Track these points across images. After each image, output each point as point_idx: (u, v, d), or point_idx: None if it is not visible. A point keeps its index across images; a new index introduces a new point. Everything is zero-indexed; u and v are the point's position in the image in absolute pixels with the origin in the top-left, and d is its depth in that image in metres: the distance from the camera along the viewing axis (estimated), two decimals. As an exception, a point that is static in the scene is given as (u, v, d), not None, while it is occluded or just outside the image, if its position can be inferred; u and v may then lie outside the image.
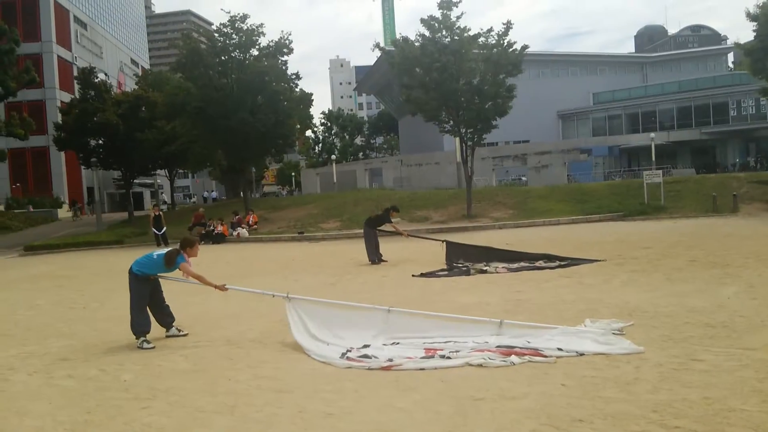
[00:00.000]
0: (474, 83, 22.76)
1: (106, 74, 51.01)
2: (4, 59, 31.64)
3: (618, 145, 50.64)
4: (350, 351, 5.91)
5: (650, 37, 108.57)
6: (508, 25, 22.59)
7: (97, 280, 13.71)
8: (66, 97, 51.49)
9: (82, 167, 42.60)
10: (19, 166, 52.05)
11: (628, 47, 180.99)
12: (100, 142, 33.67)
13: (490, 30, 22.74)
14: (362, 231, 14.24)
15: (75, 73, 44.53)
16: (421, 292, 9.44)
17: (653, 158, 30.74)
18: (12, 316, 9.44)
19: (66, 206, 46.51)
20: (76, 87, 39.23)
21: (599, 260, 11.67)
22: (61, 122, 34.85)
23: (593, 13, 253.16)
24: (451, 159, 37.91)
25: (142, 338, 6.74)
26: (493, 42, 22.63)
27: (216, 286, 6.87)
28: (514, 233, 19.41)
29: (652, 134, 33.04)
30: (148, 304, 6.94)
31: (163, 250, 7.09)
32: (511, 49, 22.57)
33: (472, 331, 6.15)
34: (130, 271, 6.91)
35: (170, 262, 6.82)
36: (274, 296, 6.91)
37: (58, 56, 60.41)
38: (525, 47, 23.09)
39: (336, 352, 5.90)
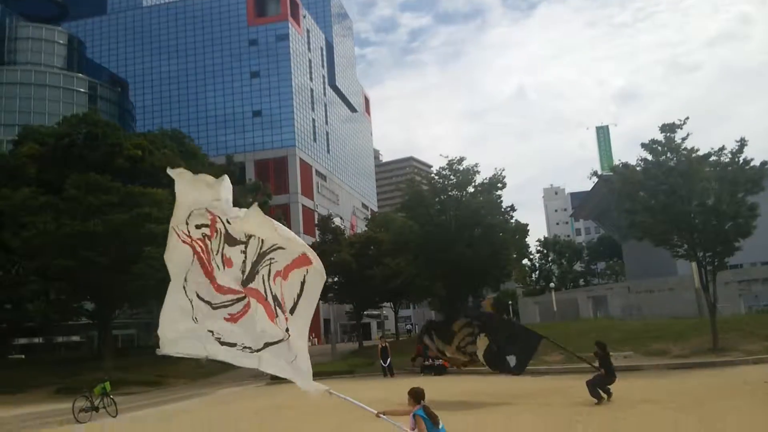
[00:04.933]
0: (708, 204, 20.99)
1: (341, 218, 57.75)
2: (259, 211, 37.76)
3: None
4: None
5: None
6: (743, 142, 20.95)
7: (334, 411, 14.41)
8: (309, 240, 58.77)
9: (320, 301, 47.22)
10: (269, 302, 59.34)
11: None
12: (336, 279, 37.38)
13: (722, 148, 21.23)
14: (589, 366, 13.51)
15: (316, 220, 51.04)
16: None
17: None
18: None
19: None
20: (317, 232, 44.74)
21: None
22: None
23: None
24: (687, 284, 34.25)
25: None
26: (727, 160, 20.99)
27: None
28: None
29: None
30: None
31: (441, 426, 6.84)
32: (748, 166, 20.69)
33: None
34: None
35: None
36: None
37: (303, 205, 70.12)
38: (765, 163, 21.04)
39: None
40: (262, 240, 6.00)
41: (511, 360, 14.20)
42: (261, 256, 6.03)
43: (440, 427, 6.69)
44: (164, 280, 6.56)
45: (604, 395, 12.51)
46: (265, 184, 42.12)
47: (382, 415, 6.85)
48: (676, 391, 13.69)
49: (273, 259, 5.97)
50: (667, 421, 9.89)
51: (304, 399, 18.27)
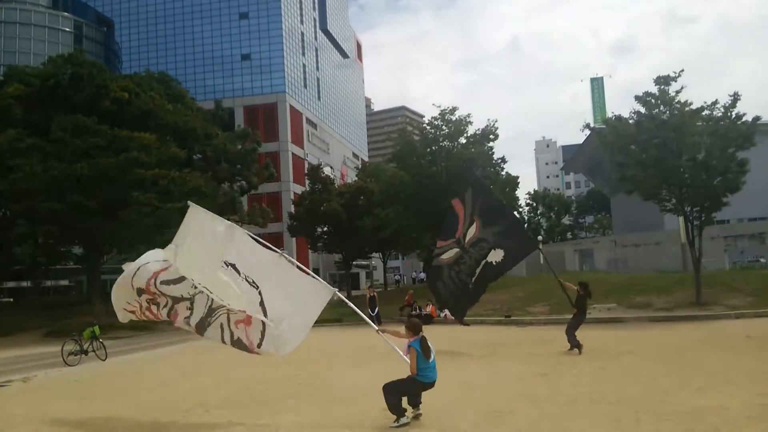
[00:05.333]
0: (699, 158, 21.00)
1: (331, 167, 57.36)
2: (247, 158, 37.27)
3: None
4: None
5: None
6: (736, 97, 20.80)
7: (318, 358, 14.64)
8: (298, 189, 58.53)
9: (310, 251, 47.41)
10: (259, 250, 59.63)
11: None
12: (325, 229, 37.46)
13: (715, 102, 21.09)
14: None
15: (306, 169, 50.67)
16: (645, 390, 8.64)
17: None
18: (249, 390, 10.63)
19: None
20: (307, 181, 44.51)
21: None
22: (293, 212, 39.65)
23: None
24: (674, 239, 34.70)
25: (402, 418, 6.98)
26: (719, 114, 20.88)
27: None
28: (755, 324, 16.86)
29: None
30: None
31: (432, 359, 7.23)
32: (740, 121, 20.61)
33: None
34: (415, 380, 7.11)
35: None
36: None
37: (293, 153, 69.36)
38: (757, 118, 20.97)
39: None
40: (212, 299, 7.56)
41: (498, 254, 13.42)
42: (211, 310, 7.64)
43: (431, 360, 7.15)
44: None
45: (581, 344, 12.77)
46: (254, 130, 41.47)
47: (381, 333, 7.97)
48: (657, 343, 14.01)
49: (222, 313, 7.73)
50: (648, 371, 10.13)
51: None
